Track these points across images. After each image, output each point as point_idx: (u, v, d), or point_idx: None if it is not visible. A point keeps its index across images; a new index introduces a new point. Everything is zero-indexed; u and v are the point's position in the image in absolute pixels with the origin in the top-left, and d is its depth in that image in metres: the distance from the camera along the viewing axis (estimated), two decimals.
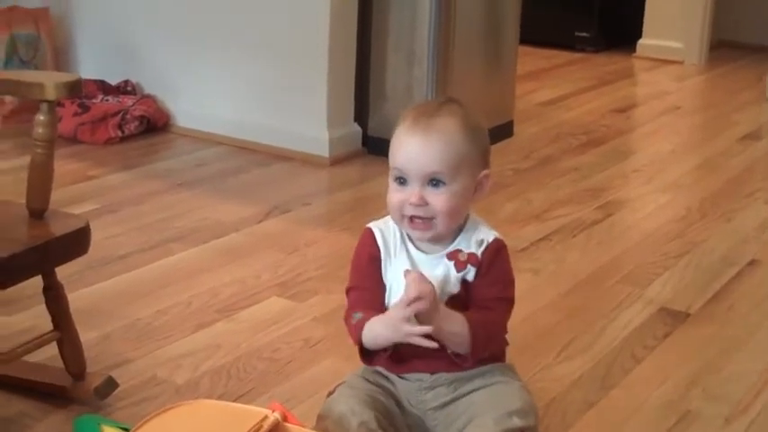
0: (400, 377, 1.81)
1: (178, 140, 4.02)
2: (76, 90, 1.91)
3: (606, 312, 2.53)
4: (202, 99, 4.05)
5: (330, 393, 1.82)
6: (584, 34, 6.21)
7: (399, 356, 1.80)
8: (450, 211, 1.71)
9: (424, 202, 1.70)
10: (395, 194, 1.74)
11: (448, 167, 1.69)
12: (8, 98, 4.12)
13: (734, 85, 5.46)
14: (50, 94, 1.87)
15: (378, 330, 1.71)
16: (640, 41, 6.11)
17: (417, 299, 1.62)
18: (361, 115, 3.86)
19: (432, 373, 1.79)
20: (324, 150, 3.73)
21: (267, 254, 2.87)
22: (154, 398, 2.07)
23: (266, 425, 1.55)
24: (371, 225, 1.83)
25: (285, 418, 1.59)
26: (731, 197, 3.49)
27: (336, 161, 3.73)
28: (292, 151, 3.78)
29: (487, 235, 1.78)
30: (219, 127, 3.99)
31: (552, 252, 2.94)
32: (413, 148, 1.71)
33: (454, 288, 1.76)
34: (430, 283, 1.66)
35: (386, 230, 1.79)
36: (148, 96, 4.15)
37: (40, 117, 1.90)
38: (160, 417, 1.60)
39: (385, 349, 1.74)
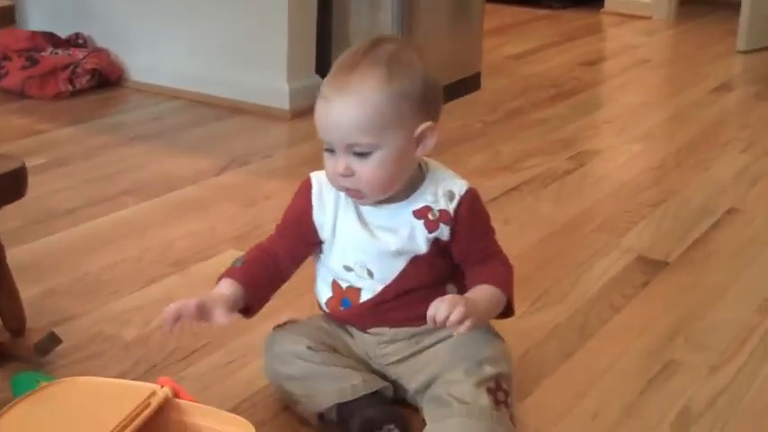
0: (358, 330, 1.71)
1: (132, 95, 3.86)
2: (6, 18, 1.74)
3: (581, 261, 2.42)
4: (157, 52, 3.89)
5: (278, 327, 1.76)
6: None
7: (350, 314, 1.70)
8: (379, 181, 1.56)
9: (350, 172, 1.55)
10: (326, 162, 1.59)
11: (369, 135, 1.52)
12: None
13: (703, 39, 5.35)
14: None
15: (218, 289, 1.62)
16: None
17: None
18: (322, 66, 3.70)
19: (391, 327, 1.68)
20: (284, 103, 3.58)
21: (224, 207, 2.72)
22: (100, 354, 1.93)
23: (155, 402, 1.42)
24: (313, 175, 1.67)
25: (176, 394, 1.46)
26: (706, 147, 3.38)
27: (297, 114, 3.58)
28: (251, 104, 3.63)
29: (457, 186, 1.63)
30: (175, 81, 3.83)
31: (523, 202, 2.82)
32: (327, 115, 1.54)
33: (420, 248, 1.62)
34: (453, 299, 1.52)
35: (327, 183, 1.64)
36: (101, 50, 3.97)
37: None
38: (27, 400, 1.44)
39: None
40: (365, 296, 1.67)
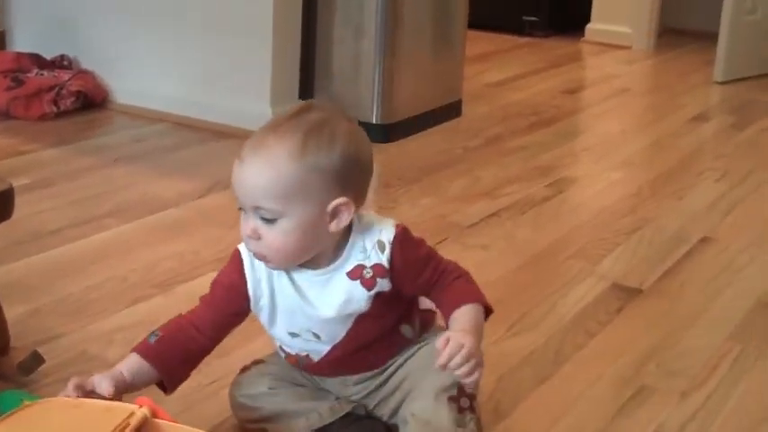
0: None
1: (116, 117, 3.89)
2: None
3: (557, 288, 2.46)
4: (142, 75, 3.93)
5: (244, 369, 1.77)
6: (532, 18, 6.13)
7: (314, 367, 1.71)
8: (282, 249, 1.52)
9: (256, 236, 1.51)
10: (241, 221, 1.55)
11: (273, 201, 1.47)
12: None
13: (681, 69, 5.43)
14: None
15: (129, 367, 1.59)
16: (588, 26, 6.07)
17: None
18: (305, 92, 3.75)
19: (353, 374, 1.71)
20: None
21: (207, 229, 2.76)
22: (83, 374, 1.94)
23: (133, 422, 1.40)
24: (241, 247, 1.63)
25: (155, 414, 1.44)
26: (682, 176, 3.44)
27: None
28: (235, 128, 3.67)
29: (384, 234, 1.59)
30: (160, 104, 3.86)
31: (502, 228, 2.86)
32: (238, 174, 1.50)
33: (362, 307, 1.60)
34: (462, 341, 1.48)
35: None
36: (86, 72, 4.01)
37: None
38: (6, 421, 1.43)
39: None
40: (316, 358, 1.67)
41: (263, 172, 1.47)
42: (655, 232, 2.87)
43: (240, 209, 1.54)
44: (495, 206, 3.03)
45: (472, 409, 1.61)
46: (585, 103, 4.66)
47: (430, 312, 1.75)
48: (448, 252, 2.58)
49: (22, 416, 1.46)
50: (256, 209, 1.50)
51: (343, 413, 1.66)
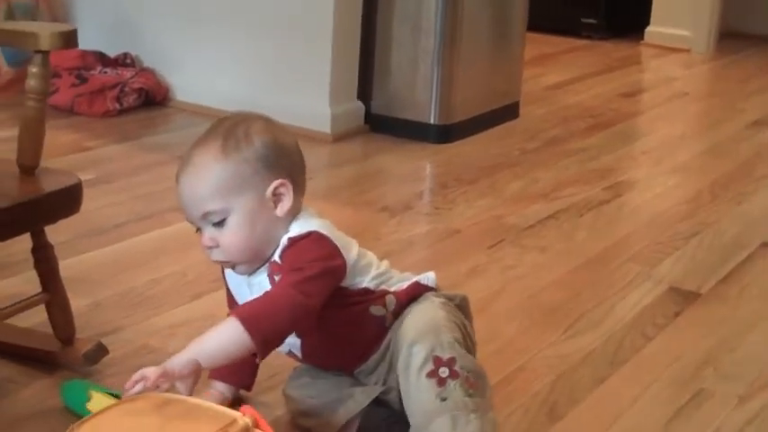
0: None
1: (177, 114, 3.94)
2: (71, 41, 1.82)
3: (615, 291, 2.46)
4: (202, 73, 3.97)
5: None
6: (591, 21, 6.11)
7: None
8: (239, 245, 1.60)
9: (214, 243, 1.61)
10: (200, 239, 1.64)
11: (215, 201, 1.58)
12: (4, 69, 4.04)
13: (741, 73, 5.38)
14: (44, 44, 1.79)
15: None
16: (648, 29, 6.02)
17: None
18: (364, 92, 3.77)
19: (349, 365, 1.75)
20: (326, 127, 3.65)
21: None
22: (145, 366, 1.98)
23: (233, 430, 1.39)
24: None
25: (256, 424, 1.43)
26: (741, 181, 3.41)
27: (338, 138, 3.65)
28: (293, 127, 3.61)
29: (291, 232, 1.63)
30: (219, 102, 3.89)
31: (559, 231, 2.86)
32: (180, 194, 1.63)
33: None
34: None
35: None
36: (147, 70, 4.06)
37: (33, 69, 1.82)
38: (109, 412, 1.45)
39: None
40: (299, 354, 1.74)
41: (198, 180, 1.59)
42: (714, 237, 2.85)
43: (197, 230, 1.64)
44: (553, 208, 3.03)
45: (453, 374, 1.59)
46: (644, 106, 4.64)
47: (415, 286, 1.74)
48: (505, 254, 2.63)
49: (122, 410, 1.47)
50: (205, 217, 1.60)
51: (376, 394, 1.69)
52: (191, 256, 2.55)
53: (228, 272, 1.72)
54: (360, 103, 3.78)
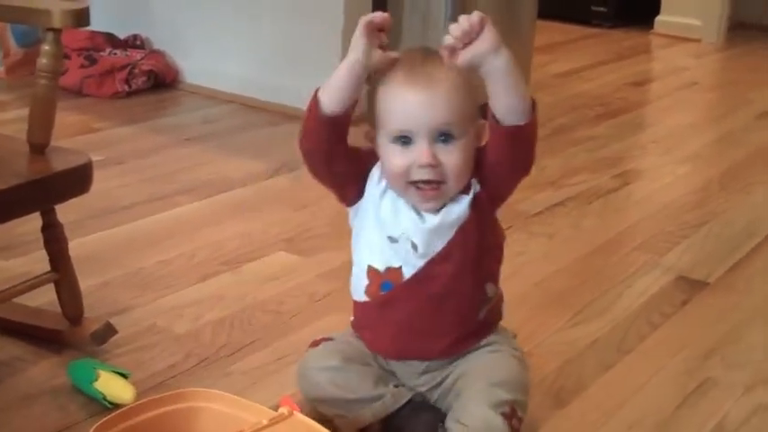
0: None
1: (186, 97, 3.95)
2: (84, 19, 1.81)
3: (623, 279, 2.45)
4: (212, 56, 3.97)
5: (313, 344, 1.76)
6: (601, 9, 6.09)
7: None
8: (463, 169, 1.59)
9: (436, 162, 1.56)
10: (397, 159, 1.58)
11: (459, 118, 1.57)
12: (13, 50, 4.05)
13: (751, 63, 5.37)
14: (57, 21, 1.79)
15: (335, 73, 1.68)
16: (658, 18, 6.00)
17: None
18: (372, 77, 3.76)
19: (423, 361, 1.71)
20: None
21: (275, 209, 2.79)
22: (152, 346, 2.00)
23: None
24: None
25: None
26: (750, 171, 3.40)
27: None
28: (303, 111, 3.68)
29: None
30: (229, 85, 3.91)
31: (568, 218, 2.86)
32: (418, 100, 1.56)
33: (464, 213, 1.62)
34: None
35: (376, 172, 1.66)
36: (157, 51, 4.07)
37: (45, 47, 1.82)
38: (150, 403, 1.46)
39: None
40: (407, 273, 1.65)
41: (448, 93, 1.57)
42: (722, 226, 2.85)
43: (402, 141, 1.58)
44: (561, 196, 3.03)
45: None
46: (653, 95, 4.63)
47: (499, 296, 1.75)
48: (513, 240, 2.63)
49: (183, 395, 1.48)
50: (438, 131, 1.57)
51: (406, 399, 1.68)
52: (199, 237, 2.56)
53: (385, 199, 1.66)
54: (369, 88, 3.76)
